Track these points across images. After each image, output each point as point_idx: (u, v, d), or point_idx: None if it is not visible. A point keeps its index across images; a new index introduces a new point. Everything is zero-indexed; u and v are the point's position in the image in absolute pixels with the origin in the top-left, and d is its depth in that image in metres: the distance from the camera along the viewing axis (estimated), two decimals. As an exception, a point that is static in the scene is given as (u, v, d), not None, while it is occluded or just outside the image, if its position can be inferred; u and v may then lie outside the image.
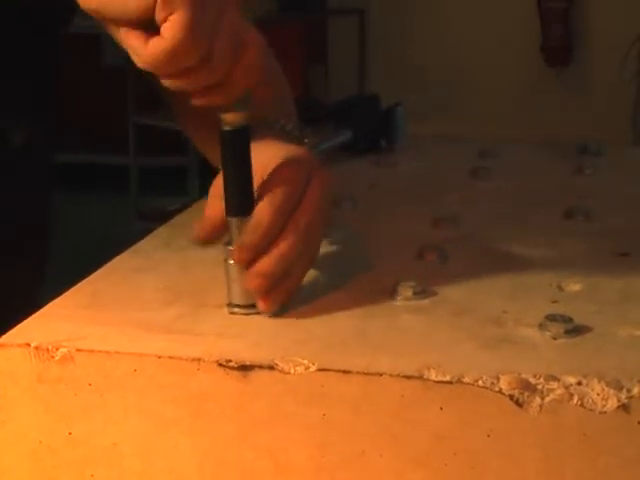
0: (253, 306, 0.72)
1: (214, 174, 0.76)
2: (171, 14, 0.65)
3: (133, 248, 0.86)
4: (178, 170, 3.89)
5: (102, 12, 0.68)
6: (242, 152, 0.72)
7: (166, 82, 0.69)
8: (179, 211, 0.99)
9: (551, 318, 0.68)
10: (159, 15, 0.66)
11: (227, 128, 0.71)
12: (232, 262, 0.72)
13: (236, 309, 0.72)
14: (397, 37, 4.48)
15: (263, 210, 0.72)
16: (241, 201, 0.72)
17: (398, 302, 0.74)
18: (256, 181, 0.73)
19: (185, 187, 3.85)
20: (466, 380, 0.61)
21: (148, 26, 0.67)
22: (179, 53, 0.66)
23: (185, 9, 0.65)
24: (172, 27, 0.65)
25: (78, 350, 0.66)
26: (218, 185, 0.75)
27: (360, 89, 3.40)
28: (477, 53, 4.50)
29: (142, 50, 0.67)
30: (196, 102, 0.70)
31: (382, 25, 4.30)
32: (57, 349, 0.66)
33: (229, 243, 0.72)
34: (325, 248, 0.86)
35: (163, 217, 1.03)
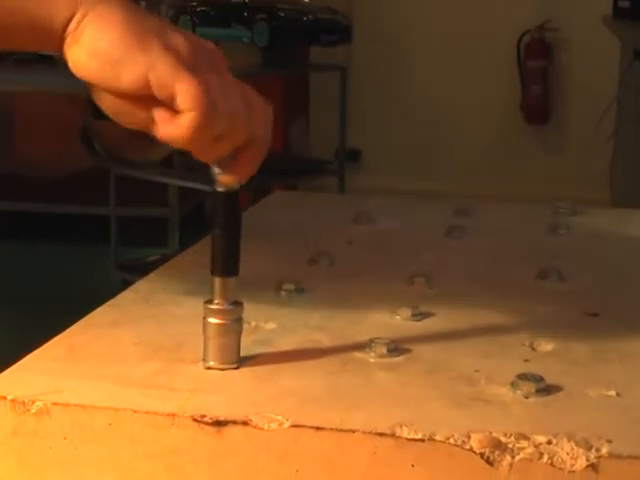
0: (230, 363, 0.73)
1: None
2: (172, 89, 0.67)
3: (111, 302, 0.87)
4: (158, 221, 3.90)
5: (95, 82, 0.69)
6: (234, 214, 0.73)
7: (201, 157, 0.70)
8: (159, 262, 1.00)
9: (523, 377, 0.69)
10: (160, 94, 0.67)
11: (221, 189, 0.72)
12: (211, 320, 0.73)
13: (212, 364, 0.73)
14: (378, 94, 4.52)
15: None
16: (229, 262, 0.73)
17: (371, 359, 0.75)
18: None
19: (165, 238, 3.86)
20: (438, 438, 0.62)
21: (140, 98, 0.68)
22: (208, 118, 0.67)
23: (188, 79, 0.67)
24: (190, 98, 0.66)
25: (54, 404, 0.66)
26: None
27: (341, 144, 3.43)
28: (457, 110, 4.54)
29: (175, 132, 0.68)
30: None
31: (363, 82, 4.34)
32: (33, 402, 0.66)
33: (210, 301, 0.73)
34: (301, 303, 0.87)
35: (143, 268, 1.03)
